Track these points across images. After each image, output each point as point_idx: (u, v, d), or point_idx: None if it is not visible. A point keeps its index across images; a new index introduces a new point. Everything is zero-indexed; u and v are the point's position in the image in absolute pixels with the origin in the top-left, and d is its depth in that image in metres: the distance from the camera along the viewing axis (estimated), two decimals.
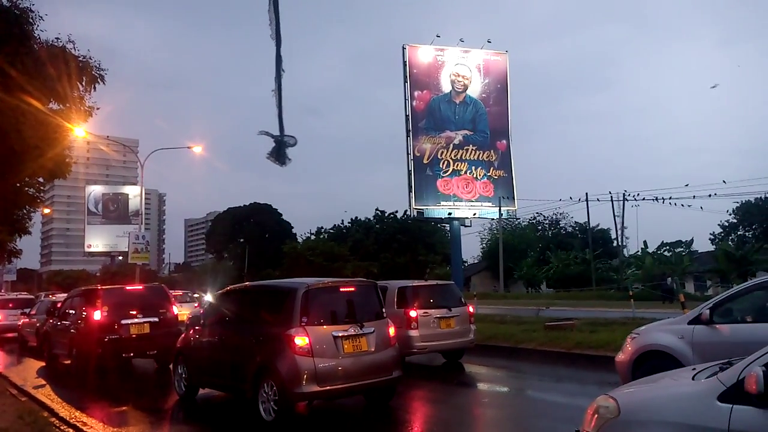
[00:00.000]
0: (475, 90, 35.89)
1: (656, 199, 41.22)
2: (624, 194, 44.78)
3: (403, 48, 35.12)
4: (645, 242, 49.23)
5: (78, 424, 7.36)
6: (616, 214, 45.81)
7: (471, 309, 12.14)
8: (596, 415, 3.76)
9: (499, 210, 34.98)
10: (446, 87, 35.47)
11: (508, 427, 7.62)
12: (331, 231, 65.15)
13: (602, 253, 52.99)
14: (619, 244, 48.54)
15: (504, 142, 35.84)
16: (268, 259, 65.19)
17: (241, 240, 73.79)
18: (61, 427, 7.19)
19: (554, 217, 65.85)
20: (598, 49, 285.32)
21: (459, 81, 35.66)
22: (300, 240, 65.30)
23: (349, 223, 65.44)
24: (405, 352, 10.07)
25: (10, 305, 21.72)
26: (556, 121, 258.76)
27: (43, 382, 11.39)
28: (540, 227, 66.31)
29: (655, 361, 6.67)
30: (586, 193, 46.32)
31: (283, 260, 56.81)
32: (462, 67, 35.79)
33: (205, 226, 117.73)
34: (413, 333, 10.76)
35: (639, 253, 48.72)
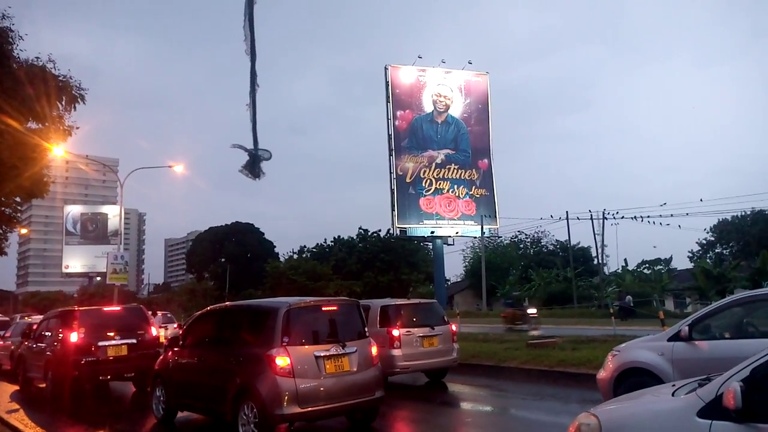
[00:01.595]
0: (456, 110, 36.29)
1: (635, 217, 41.81)
2: (603, 213, 45.31)
3: (386, 68, 35.50)
4: (625, 260, 49.86)
5: None
6: (596, 232, 46.31)
7: (454, 327, 12.12)
8: None
9: (482, 228, 35.16)
10: (428, 107, 35.85)
11: None
12: (314, 250, 64.89)
13: (583, 271, 53.46)
14: (600, 262, 49.03)
15: (485, 161, 36.22)
16: (250, 278, 64.70)
17: (223, 259, 73.19)
18: None
19: (536, 235, 66.44)
20: (576, 71, 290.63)
21: (441, 101, 36.07)
22: (282, 259, 64.95)
23: (332, 242, 65.29)
24: (388, 372, 9.99)
25: None
26: (536, 141, 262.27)
27: (17, 407, 11.09)
28: (522, 245, 66.77)
29: (636, 378, 6.71)
30: (567, 212, 46.74)
31: (265, 279, 56.41)
32: (444, 88, 36.25)
33: (186, 245, 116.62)
34: (396, 352, 10.69)
35: (619, 271, 49.22)
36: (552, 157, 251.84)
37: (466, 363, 12.85)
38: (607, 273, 49.77)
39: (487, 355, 13.97)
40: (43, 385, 12.20)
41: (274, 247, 77.98)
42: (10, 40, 11.24)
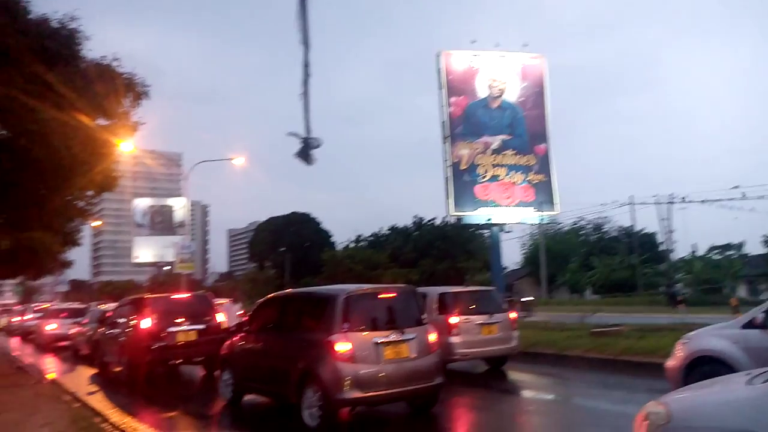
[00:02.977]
0: (512, 94, 35.47)
1: (704, 201, 39.90)
2: (670, 197, 43.48)
3: (438, 55, 35.05)
4: (694, 246, 47.73)
5: (129, 430, 7.57)
6: (662, 217, 44.51)
7: (513, 315, 11.97)
8: (646, 422, 3.66)
9: (540, 215, 34.45)
10: (482, 92, 35.17)
11: None
12: (370, 239, 65.37)
13: (649, 258, 51.53)
14: (667, 248, 47.15)
15: (543, 146, 35.26)
16: (308, 267, 65.85)
17: (282, 249, 74.80)
18: None
19: (598, 221, 64.34)
20: (639, 50, 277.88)
21: (495, 86, 35.31)
22: (339, 248, 65.78)
23: (387, 230, 65.57)
24: (446, 359, 9.97)
25: (63, 315, 22.37)
26: (598, 124, 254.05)
27: (96, 389, 11.72)
28: (583, 232, 64.92)
29: (707, 367, 6.45)
30: (631, 197, 45.10)
31: (323, 268, 57.34)
32: (498, 72, 35.44)
33: (247, 235, 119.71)
34: (454, 339, 10.66)
35: (688, 257, 47.22)
36: (614, 140, 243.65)
37: (526, 351, 12.67)
38: (674, 260, 47.85)
39: (548, 343, 13.72)
40: (119, 369, 12.85)
41: (331, 236, 79.13)
42: (78, 40, 11.78)
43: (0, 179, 12.33)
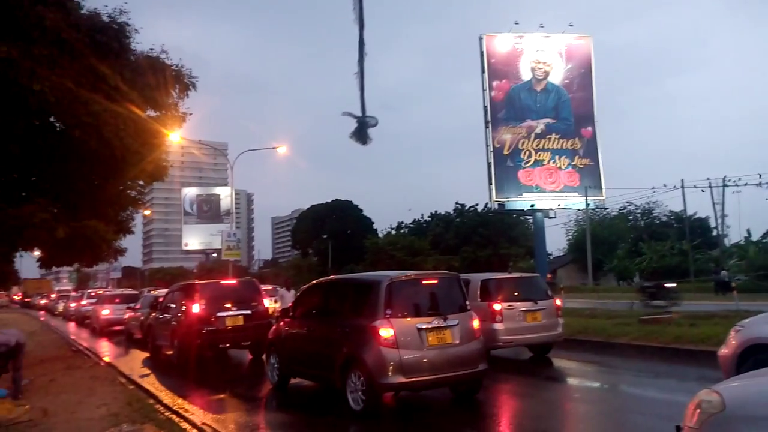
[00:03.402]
0: (556, 76, 34.67)
1: (760, 184, 38.18)
2: (724, 180, 41.80)
3: (480, 38, 34.51)
4: (748, 230, 45.85)
5: (180, 411, 7.84)
6: (715, 201, 42.89)
7: (558, 302, 11.80)
8: (698, 410, 3.56)
9: (586, 200, 33.67)
10: (526, 75, 34.51)
11: (602, 422, 7.34)
12: (411, 225, 65.39)
13: (701, 243, 49.75)
14: (720, 233, 45.43)
15: (589, 129, 34.43)
16: (350, 254, 66.45)
17: (325, 236, 75.63)
18: (165, 413, 7.66)
19: (647, 206, 62.39)
20: (690, 27, 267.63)
21: (539, 68, 34.58)
22: (381, 235, 66.04)
23: (428, 217, 65.44)
24: (490, 346, 9.93)
25: (117, 300, 23.15)
26: (645, 105, 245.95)
27: (148, 372, 12.17)
28: (631, 217, 63.14)
29: (762, 355, 6.22)
30: (682, 180, 43.58)
31: (365, 255, 57.76)
32: (542, 54, 34.69)
33: (291, 223, 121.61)
34: (498, 326, 10.60)
35: (742, 243, 45.42)
36: (664, 122, 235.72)
37: (572, 338, 12.50)
38: (727, 245, 46.08)
39: (594, 330, 13.49)
40: (170, 353, 13.29)
41: (372, 223, 79.50)
42: (127, 34, 12.10)
43: (56, 170, 12.87)
